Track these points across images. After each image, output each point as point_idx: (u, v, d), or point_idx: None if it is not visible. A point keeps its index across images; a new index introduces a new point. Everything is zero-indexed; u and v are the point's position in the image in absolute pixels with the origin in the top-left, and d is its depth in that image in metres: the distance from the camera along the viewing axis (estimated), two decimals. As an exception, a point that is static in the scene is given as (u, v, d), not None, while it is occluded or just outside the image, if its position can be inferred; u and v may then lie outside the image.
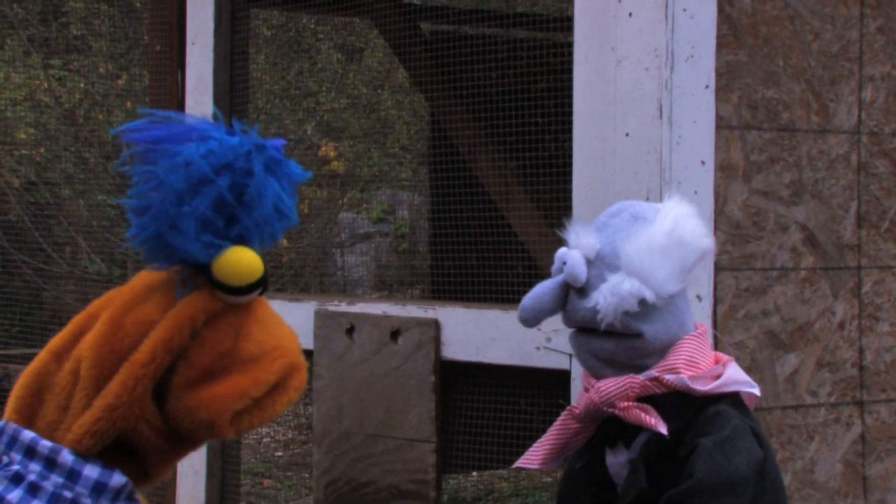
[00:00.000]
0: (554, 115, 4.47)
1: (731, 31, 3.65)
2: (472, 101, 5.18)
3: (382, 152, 8.70)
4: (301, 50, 8.76)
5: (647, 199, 3.54)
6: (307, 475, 7.57)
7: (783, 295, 3.74)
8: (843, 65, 3.85)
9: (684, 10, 3.55)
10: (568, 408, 3.00)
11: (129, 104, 8.36)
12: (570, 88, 3.80)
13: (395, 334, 4.26)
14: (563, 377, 3.82)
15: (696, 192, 3.54)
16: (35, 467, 2.25)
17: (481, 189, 5.22)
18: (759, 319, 3.70)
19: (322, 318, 4.44)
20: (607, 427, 2.95)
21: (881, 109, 3.91)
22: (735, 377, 2.92)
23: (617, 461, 2.95)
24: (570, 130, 3.79)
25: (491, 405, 4.53)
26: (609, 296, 2.85)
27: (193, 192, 2.26)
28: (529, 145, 4.56)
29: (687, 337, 2.92)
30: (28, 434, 2.27)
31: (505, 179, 5.20)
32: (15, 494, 2.22)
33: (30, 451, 2.26)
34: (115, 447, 2.31)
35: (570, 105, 3.79)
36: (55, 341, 2.39)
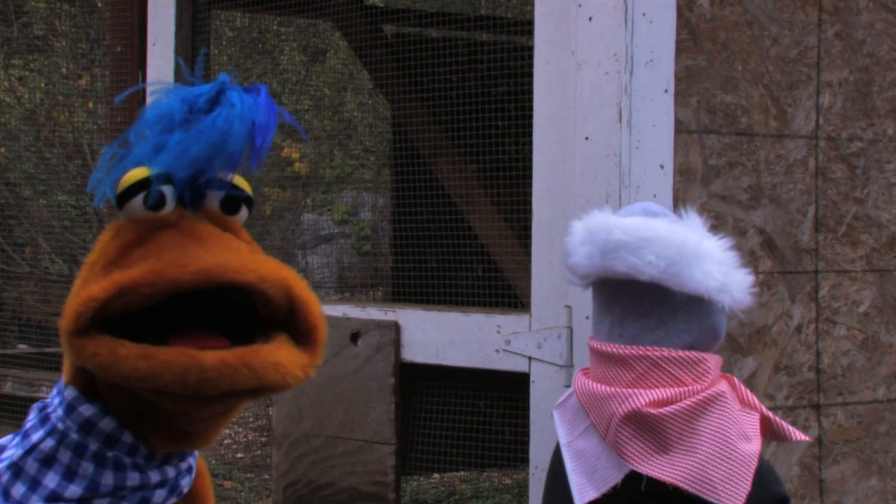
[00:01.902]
0: (514, 119, 4.48)
1: (690, 36, 3.67)
2: (433, 104, 5.19)
3: (345, 154, 8.70)
4: (264, 51, 8.74)
5: (607, 202, 3.56)
6: (268, 477, 7.56)
7: (741, 298, 3.76)
8: (801, 70, 3.87)
9: (644, 14, 3.56)
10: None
11: (90, 104, 8.32)
12: (530, 92, 3.81)
13: (354, 336, 4.27)
14: (522, 379, 3.83)
15: (654, 196, 3.56)
16: (55, 401, 2.37)
17: (443, 191, 5.23)
18: (717, 323, 3.72)
19: (282, 320, 4.43)
20: None
21: (839, 115, 3.94)
22: None
23: None
24: (530, 134, 3.81)
25: (451, 407, 4.54)
26: None
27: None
28: (490, 148, 4.57)
29: None
30: (63, 375, 2.40)
31: (466, 182, 5.21)
32: (31, 422, 2.37)
33: (59, 388, 2.40)
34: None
35: (531, 108, 3.80)
36: None
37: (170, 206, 2.29)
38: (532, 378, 3.76)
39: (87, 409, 2.34)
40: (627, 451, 2.80)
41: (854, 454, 3.97)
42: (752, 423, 2.86)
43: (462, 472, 7.18)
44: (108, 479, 2.34)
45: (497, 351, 3.88)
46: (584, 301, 3.60)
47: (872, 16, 4.00)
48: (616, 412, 2.81)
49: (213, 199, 2.34)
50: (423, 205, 4.94)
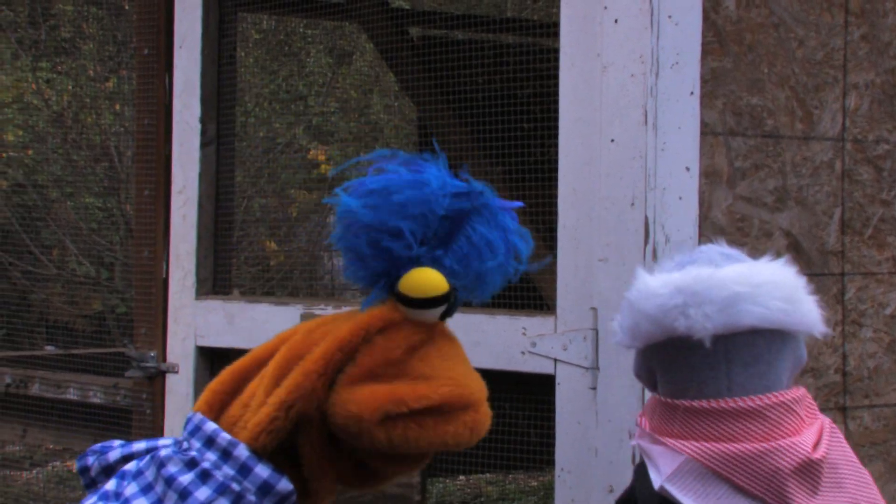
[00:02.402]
0: (540, 121, 4.47)
1: (716, 38, 3.67)
2: (459, 106, 5.19)
3: (372, 156, 8.70)
4: (290, 53, 8.77)
5: (633, 205, 3.56)
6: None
7: (767, 301, 3.75)
8: (827, 72, 3.87)
9: (670, 17, 3.56)
10: None
11: (117, 107, 8.36)
12: (556, 94, 3.81)
13: (380, 338, 4.26)
14: (548, 382, 3.83)
15: (680, 199, 3.56)
16: (211, 456, 2.37)
17: (468, 194, 5.21)
18: (743, 325, 3.71)
19: (308, 322, 4.44)
20: None
21: (865, 117, 3.93)
22: None
23: None
24: (555, 136, 3.81)
25: (476, 409, 4.52)
26: None
27: (419, 209, 2.41)
28: (516, 150, 4.57)
29: None
30: (211, 425, 2.41)
31: (492, 184, 5.20)
32: (187, 478, 2.35)
33: (209, 441, 2.39)
34: (284, 458, 2.40)
35: (556, 111, 3.80)
36: (260, 348, 2.54)
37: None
38: (558, 380, 3.76)
39: (263, 471, 2.37)
40: (797, 502, 2.71)
41: (880, 457, 3.96)
42: None
43: (488, 475, 7.18)
44: None
45: (522, 353, 3.88)
46: (610, 303, 3.60)
47: (899, 17, 3.99)
48: (782, 466, 2.70)
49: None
50: (448, 207, 4.92)
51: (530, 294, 4.48)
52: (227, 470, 2.35)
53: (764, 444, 2.73)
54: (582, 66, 3.72)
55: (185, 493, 2.34)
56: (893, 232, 3.99)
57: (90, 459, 2.51)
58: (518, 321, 3.90)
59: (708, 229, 3.64)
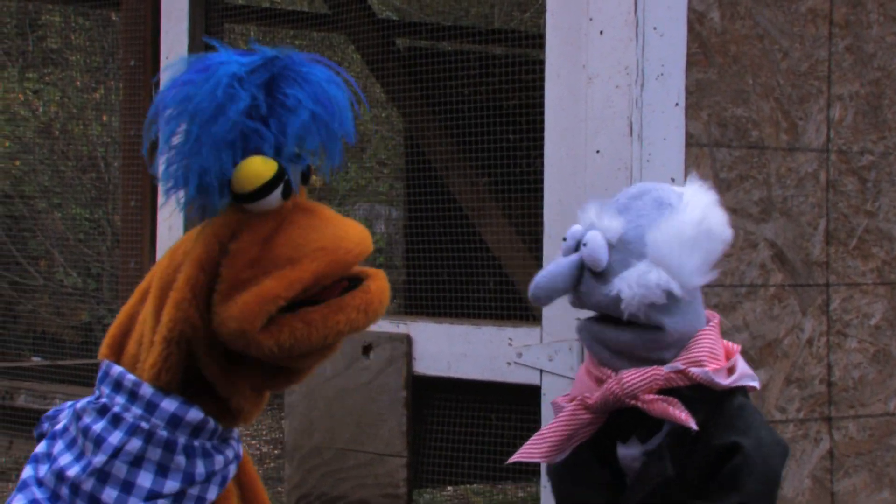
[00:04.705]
0: (526, 132, 4.49)
1: (700, 49, 3.68)
2: (445, 117, 5.20)
3: (360, 166, 8.71)
4: (278, 64, 8.75)
5: (618, 215, 3.56)
6: (281, 489, 7.57)
7: (752, 311, 3.76)
8: (811, 83, 3.88)
9: (655, 28, 3.57)
10: (579, 398, 2.80)
11: (105, 117, 8.35)
12: (542, 105, 3.82)
13: (366, 349, 4.27)
14: (533, 392, 3.83)
15: (665, 209, 3.56)
16: (120, 400, 2.38)
17: (455, 204, 5.23)
18: (729, 335, 3.72)
19: (295, 333, 4.43)
20: (619, 419, 2.79)
21: (849, 128, 3.94)
22: (746, 370, 2.83)
23: (629, 454, 2.81)
24: (541, 147, 3.81)
25: (462, 420, 4.54)
26: (635, 286, 2.69)
27: (219, 113, 2.32)
28: (502, 161, 4.58)
29: (705, 329, 2.80)
30: (117, 369, 2.41)
31: (478, 195, 5.22)
32: (100, 425, 2.37)
33: (117, 385, 2.40)
34: (203, 389, 2.40)
35: (542, 122, 3.81)
36: (143, 281, 2.51)
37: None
38: (543, 391, 3.76)
39: (170, 404, 2.37)
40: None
41: (866, 467, 3.96)
42: None
43: (476, 485, 7.18)
44: (199, 468, 2.39)
45: (508, 363, 3.88)
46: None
47: (883, 29, 4.01)
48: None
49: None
50: (435, 217, 4.95)
51: (516, 304, 4.49)
52: (136, 410, 2.37)
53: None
54: (567, 78, 3.73)
55: (99, 440, 2.36)
56: (878, 242, 4.00)
57: (45, 426, 2.53)
58: (504, 332, 3.91)
59: (693, 240, 3.64)
